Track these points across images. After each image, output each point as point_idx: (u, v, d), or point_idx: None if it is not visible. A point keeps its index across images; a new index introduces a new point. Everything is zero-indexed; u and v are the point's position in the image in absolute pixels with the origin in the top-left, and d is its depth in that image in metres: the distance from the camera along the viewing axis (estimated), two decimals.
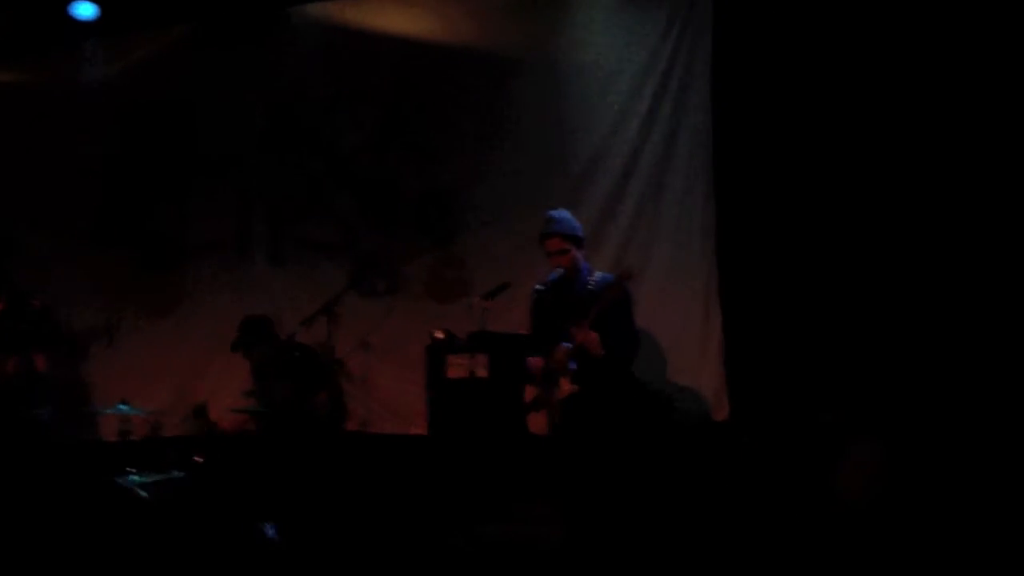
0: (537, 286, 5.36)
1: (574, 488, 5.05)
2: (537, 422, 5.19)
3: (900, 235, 5.59)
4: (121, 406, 6.12)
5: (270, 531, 5.42)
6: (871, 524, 5.01)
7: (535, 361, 5.17)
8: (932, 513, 4.99)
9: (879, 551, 4.88)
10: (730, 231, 6.01)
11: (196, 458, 5.97)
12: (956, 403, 5.32)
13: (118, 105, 7.64)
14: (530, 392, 5.21)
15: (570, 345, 5.03)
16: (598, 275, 5.18)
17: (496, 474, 5.73)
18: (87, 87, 7.62)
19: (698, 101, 6.14)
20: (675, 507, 5.45)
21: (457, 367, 5.97)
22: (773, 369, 5.74)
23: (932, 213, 5.53)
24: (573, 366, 5.02)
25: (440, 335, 6.18)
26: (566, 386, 5.04)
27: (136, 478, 5.72)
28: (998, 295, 5.37)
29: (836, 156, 5.71)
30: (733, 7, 6.01)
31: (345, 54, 7.10)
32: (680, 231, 6.18)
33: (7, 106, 7.75)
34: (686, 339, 6.10)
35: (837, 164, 5.71)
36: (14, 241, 7.67)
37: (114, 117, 7.65)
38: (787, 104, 5.80)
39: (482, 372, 5.81)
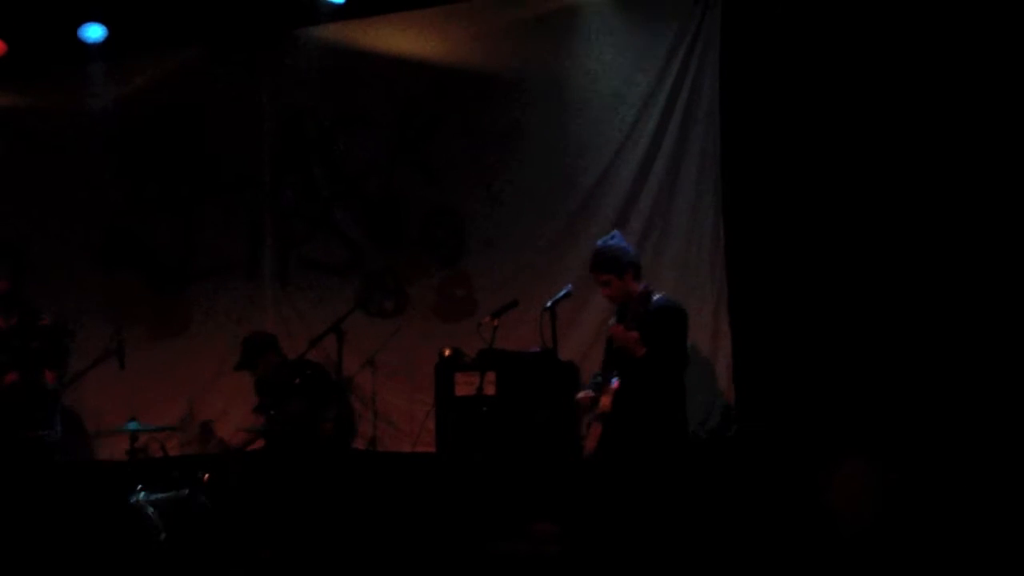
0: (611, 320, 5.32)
1: (587, 506, 5.05)
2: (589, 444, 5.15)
3: (912, 249, 5.57)
4: (131, 424, 6.13)
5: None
6: (870, 543, 5.00)
7: (583, 397, 5.19)
8: (933, 533, 4.98)
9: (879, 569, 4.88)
10: (739, 247, 6.00)
11: (203, 476, 5.99)
12: (969, 419, 5.30)
13: (126, 125, 7.66)
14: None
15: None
16: (657, 297, 5.10)
17: (505, 492, 5.73)
18: (96, 108, 7.64)
19: (707, 118, 6.13)
20: (683, 523, 5.44)
21: (465, 385, 5.99)
22: (783, 385, 5.73)
23: (944, 229, 5.51)
24: (615, 383, 4.99)
25: (448, 353, 6.20)
26: (606, 401, 5.00)
27: (144, 496, 5.72)
28: (1017, 310, 5.35)
29: (847, 172, 5.70)
30: (741, 23, 6.01)
31: (352, 75, 7.12)
32: (689, 248, 6.17)
33: (17, 127, 7.78)
34: (695, 355, 6.06)
35: (848, 180, 5.70)
36: (24, 260, 7.69)
37: (122, 137, 7.66)
38: (797, 120, 5.80)
39: (490, 390, 5.82)
